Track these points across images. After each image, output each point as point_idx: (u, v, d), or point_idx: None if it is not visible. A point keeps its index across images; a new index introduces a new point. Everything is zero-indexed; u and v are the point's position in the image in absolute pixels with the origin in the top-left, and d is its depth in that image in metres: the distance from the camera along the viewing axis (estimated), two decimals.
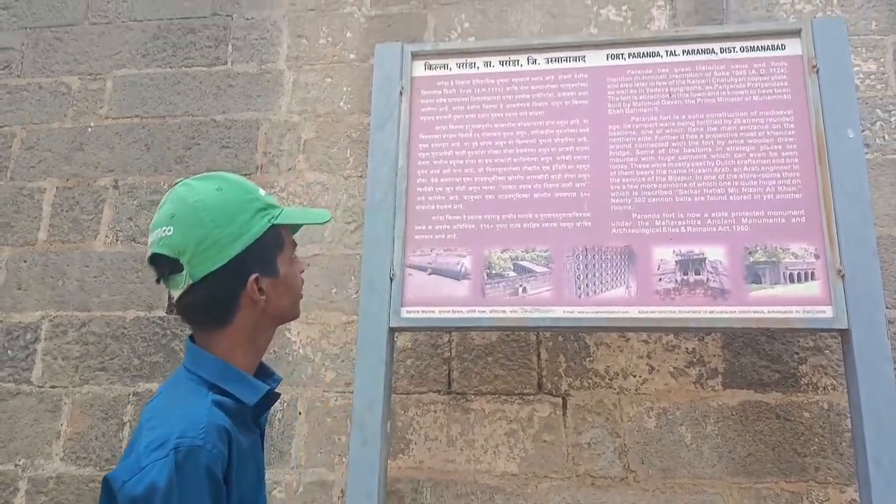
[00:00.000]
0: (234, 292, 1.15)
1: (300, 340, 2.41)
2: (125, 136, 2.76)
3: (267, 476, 2.28)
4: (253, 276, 1.15)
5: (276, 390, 1.25)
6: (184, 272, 1.12)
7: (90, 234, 2.64)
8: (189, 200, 1.14)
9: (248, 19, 2.83)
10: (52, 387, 2.48)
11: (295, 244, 1.26)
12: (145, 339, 2.48)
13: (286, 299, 1.22)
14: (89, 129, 2.80)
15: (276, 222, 1.18)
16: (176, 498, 0.95)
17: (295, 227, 1.29)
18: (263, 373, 1.28)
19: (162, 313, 2.50)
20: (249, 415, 1.16)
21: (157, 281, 1.18)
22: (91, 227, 2.65)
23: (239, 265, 1.14)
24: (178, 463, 0.97)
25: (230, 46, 2.81)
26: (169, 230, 1.12)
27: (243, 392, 1.14)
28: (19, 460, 2.43)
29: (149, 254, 1.15)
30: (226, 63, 2.79)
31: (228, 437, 1.05)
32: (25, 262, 2.66)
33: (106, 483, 1.00)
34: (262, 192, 1.22)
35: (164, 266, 1.13)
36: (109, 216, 2.66)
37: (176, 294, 1.15)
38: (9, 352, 2.56)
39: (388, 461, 2.20)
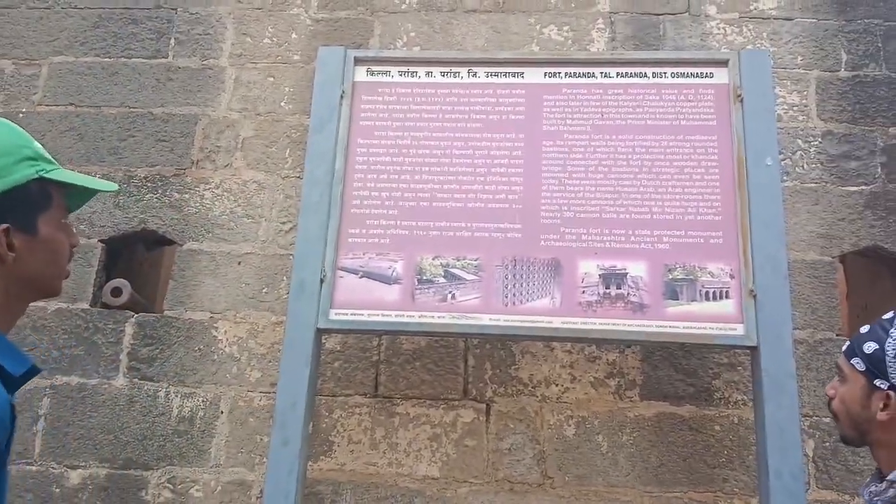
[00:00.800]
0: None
1: (227, 339, 2.39)
2: (58, 123, 2.70)
3: (186, 474, 2.26)
4: (3, 227, 1.01)
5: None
6: None
7: None
8: None
9: (192, 14, 2.81)
10: None
11: (67, 211, 1.13)
12: (66, 332, 2.43)
13: (43, 266, 1.07)
14: (20, 115, 2.72)
15: (45, 175, 1.05)
16: None
17: (76, 199, 1.17)
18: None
19: (85, 305, 2.45)
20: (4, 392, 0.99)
21: None
22: None
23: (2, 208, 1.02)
24: None
25: (173, 40, 2.78)
26: None
27: (7, 360, 1.01)
28: None
29: None
30: (167, 56, 2.76)
31: (11, 410, 0.98)
32: None
33: None
34: (38, 145, 1.09)
35: None
36: None
37: None
38: None
39: (310, 463, 2.20)
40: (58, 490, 2.27)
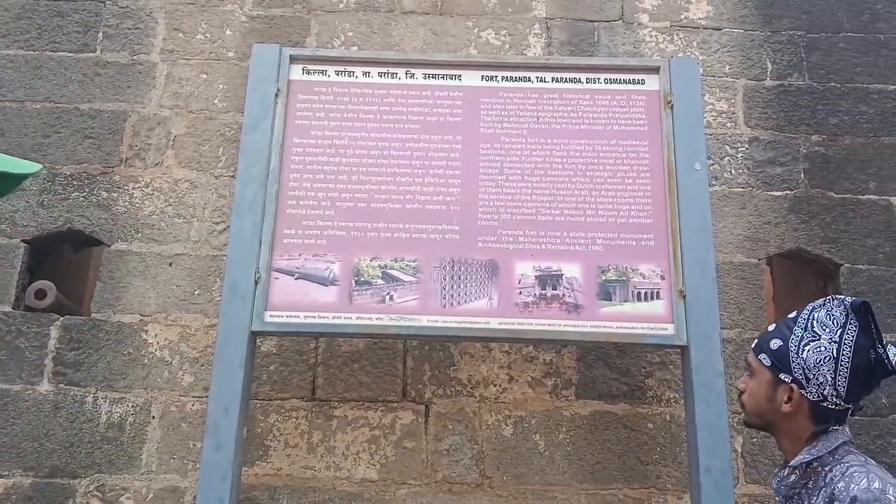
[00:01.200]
0: None
1: (157, 342, 2.32)
2: None
3: (115, 482, 2.19)
4: None
5: None
6: None
7: None
8: None
9: (121, 7, 2.72)
10: None
11: None
12: None
13: None
14: None
15: None
16: None
17: None
18: None
19: (7, 308, 2.34)
20: None
21: None
22: None
23: None
24: None
25: (101, 34, 2.69)
26: None
27: None
28: None
29: None
30: (95, 51, 2.67)
31: None
32: None
33: None
34: None
35: None
36: None
37: None
38: None
39: (245, 468, 2.16)
40: None
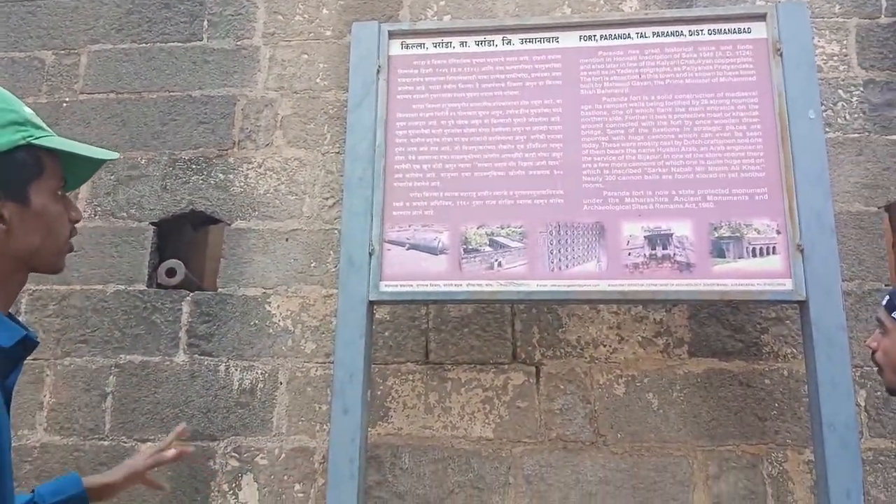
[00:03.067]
0: None
1: (280, 313, 2.46)
2: (101, 111, 2.76)
3: (250, 443, 2.35)
4: None
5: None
6: None
7: None
8: None
9: None
10: (34, 359, 2.51)
11: (62, 183, 1.07)
12: (126, 312, 2.52)
13: (37, 238, 1.01)
14: (64, 105, 2.79)
15: (34, 142, 1.00)
16: None
17: (78, 172, 1.12)
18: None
19: (142, 287, 2.54)
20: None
21: None
22: None
23: None
24: None
25: (206, 22, 2.81)
26: None
27: None
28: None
29: None
30: (201, 39, 2.80)
31: None
32: None
33: None
34: (29, 111, 1.03)
35: None
36: (87, 192, 2.67)
37: None
38: None
39: (368, 428, 2.28)
40: None
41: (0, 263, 0.99)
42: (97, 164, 1.11)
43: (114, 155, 1.10)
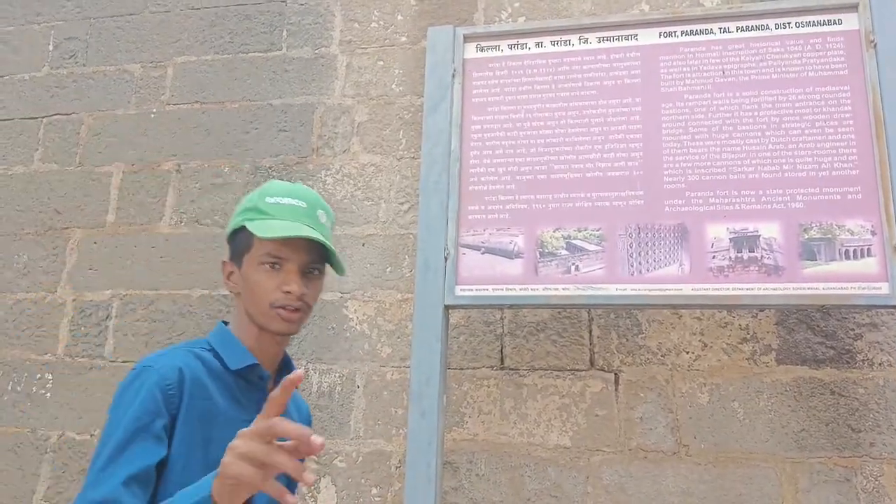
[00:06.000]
0: (224, 266, 1.35)
1: (357, 317, 2.49)
2: (186, 121, 2.87)
3: (328, 447, 2.38)
4: (222, 259, 1.39)
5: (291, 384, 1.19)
6: None
7: (155, 216, 2.76)
8: None
9: (301, 4, 2.90)
10: (124, 361, 2.62)
11: (270, 258, 1.26)
12: (210, 316, 2.60)
13: (249, 300, 1.26)
14: (152, 115, 2.91)
15: (246, 225, 1.27)
16: (119, 399, 1.15)
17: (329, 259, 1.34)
18: (285, 366, 1.37)
19: (225, 291, 2.61)
20: (241, 388, 1.26)
21: None
22: (156, 210, 2.77)
23: (229, 247, 1.33)
24: (130, 378, 1.17)
25: (285, 32, 2.88)
26: None
27: (228, 355, 1.26)
28: (95, 430, 2.58)
29: None
30: (281, 48, 2.87)
31: (181, 375, 1.17)
32: (96, 243, 2.80)
33: None
34: (270, 199, 1.27)
35: None
36: (173, 199, 2.77)
37: None
38: (82, 328, 2.70)
39: (444, 434, 2.27)
40: None
41: (243, 316, 1.29)
42: (317, 242, 1.29)
43: (308, 235, 1.25)
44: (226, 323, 1.33)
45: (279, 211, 1.26)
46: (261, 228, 1.23)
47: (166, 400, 1.14)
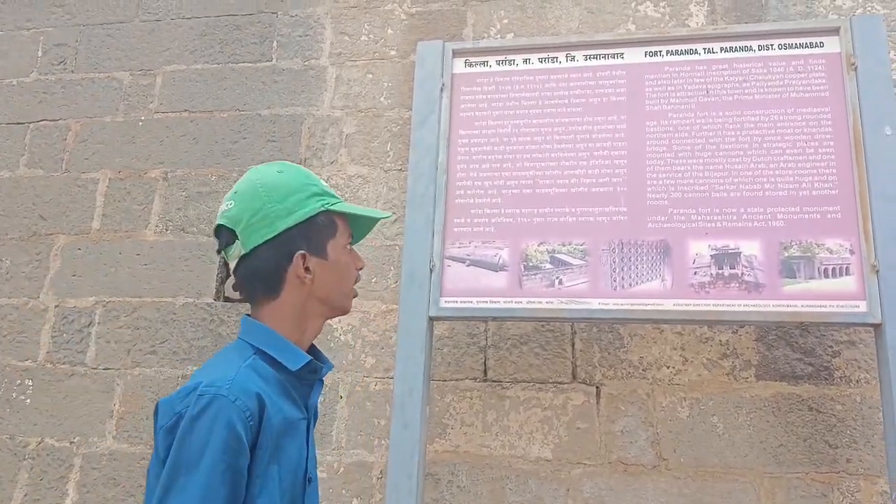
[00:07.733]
0: (280, 265, 1.20)
1: (341, 328, 2.49)
2: (174, 129, 2.87)
3: None
4: (299, 253, 1.21)
5: (324, 379, 1.29)
6: (237, 242, 1.21)
7: (141, 223, 2.76)
8: (251, 179, 1.25)
9: (292, 16, 2.92)
10: (106, 368, 2.61)
11: (350, 238, 1.31)
12: (194, 325, 2.59)
13: (334, 285, 1.26)
14: (140, 123, 2.91)
15: (329, 208, 1.25)
16: (189, 439, 1.01)
17: (360, 229, 1.37)
18: (316, 357, 1.31)
19: (210, 300, 2.61)
20: (294, 386, 1.20)
21: (218, 252, 1.28)
22: (142, 217, 2.76)
23: (287, 240, 1.20)
24: (201, 407, 1.03)
25: (275, 43, 2.90)
26: (230, 203, 1.23)
27: (286, 357, 1.19)
28: (74, 438, 2.56)
29: (214, 225, 1.27)
30: (271, 59, 2.88)
31: (260, 402, 1.08)
32: (80, 249, 2.79)
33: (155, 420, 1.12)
34: (324, 183, 1.29)
35: (223, 237, 1.23)
36: (159, 207, 2.77)
37: (232, 265, 1.24)
38: (64, 335, 2.69)
39: (426, 445, 2.28)
40: None
41: (307, 305, 1.24)
42: (374, 221, 1.36)
43: (387, 215, 1.36)
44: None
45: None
46: (361, 210, 1.29)
47: (247, 433, 1.04)
